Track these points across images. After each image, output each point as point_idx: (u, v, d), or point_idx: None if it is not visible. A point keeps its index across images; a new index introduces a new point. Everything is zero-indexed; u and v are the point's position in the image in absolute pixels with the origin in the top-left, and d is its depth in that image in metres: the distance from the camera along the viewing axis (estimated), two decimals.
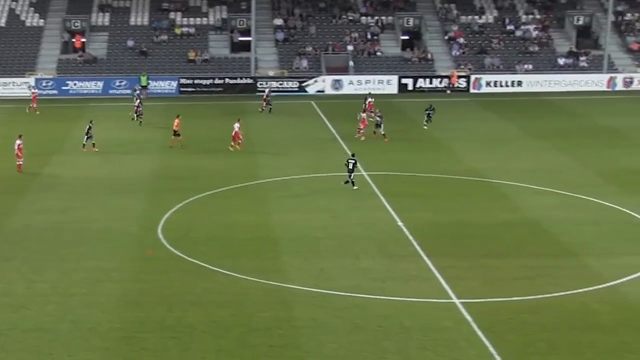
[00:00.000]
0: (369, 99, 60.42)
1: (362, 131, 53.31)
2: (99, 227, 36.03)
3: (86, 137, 49.91)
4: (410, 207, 38.66)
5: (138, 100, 60.20)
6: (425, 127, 56.70)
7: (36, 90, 66.18)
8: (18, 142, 45.11)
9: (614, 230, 35.64)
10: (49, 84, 70.71)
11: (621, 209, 38.43)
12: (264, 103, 63.73)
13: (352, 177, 41.54)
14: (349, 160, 41.96)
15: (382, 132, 52.74)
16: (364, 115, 54.58)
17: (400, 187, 42.28)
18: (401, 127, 56.94)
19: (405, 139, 53.40)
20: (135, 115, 58.71)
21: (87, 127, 50.12)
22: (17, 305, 27.62)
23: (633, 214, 37.67)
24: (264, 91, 66.60)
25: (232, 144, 50.05)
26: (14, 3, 79.01)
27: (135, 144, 52.39)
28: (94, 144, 49.93)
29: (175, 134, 51.18)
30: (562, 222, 36.53)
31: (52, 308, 27.38)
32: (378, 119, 53.89)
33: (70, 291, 28.86)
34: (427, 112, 57.21)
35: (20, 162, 44.97)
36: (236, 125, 50.32)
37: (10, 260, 31.83)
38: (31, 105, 63.33)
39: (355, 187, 41.34)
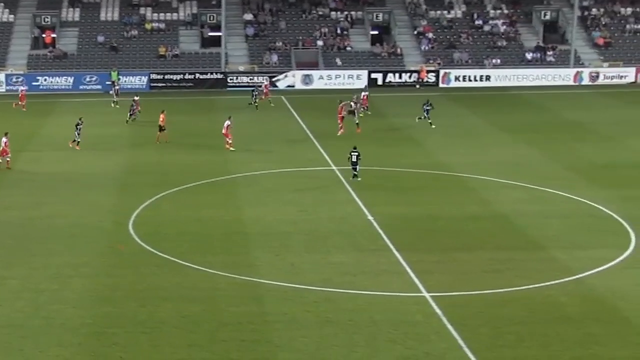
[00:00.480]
0: (364, 93, 60.42)
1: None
2: (69, 223, 35.75)
3: (77, 133, 49.12)
4: (380, 201, 38.71)
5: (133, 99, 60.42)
6: (417, 121, 56.77)
7: (25, 87, 64.74)
8: (4, 139, 44.67)
9: (581, 224, 35.88)
10: (19, 79, 70.00)
11: (588, 202, 38.68)
12: (263, 97, 63.75)
13: (357, 170, 41.88)
14: (352, 153, 41.79)
15: (357, 122, 52.76)
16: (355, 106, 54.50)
17: (370, 181, 42.28)
18: (370, 121, 56.96)
19: (375, 133, 53.40)
20: (129, 115, 58.09)
21: (77, 123, 49.26)
22: None
23: (600, 207, 37.92)
24: (260, 86, 65.92)
25: (229, 141, 49.33)
26: None
27: (106, 140, 52.06)
28: (78, 142, 49.15)
29: (161, 129, 50.74)
30: (530, 215, 36.72)
31: (23, 304, 27.12)
32: (352, 104, 54.15)
33: (41, 287, 28.60)
34: (425, 107, 56.80)
35: (8, 159, 44.61)
36: (226, 123, 49.41)
37: None
38: (18, 102, 61.93)
39: (358, 179, 41.75)
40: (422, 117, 56.40)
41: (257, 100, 62.49)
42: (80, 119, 49.75)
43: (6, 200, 39.19)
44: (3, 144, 44.65)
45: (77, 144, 49.15)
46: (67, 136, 50.02)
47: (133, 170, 44.64)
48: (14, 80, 69.11)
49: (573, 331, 25.09)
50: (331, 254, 31.81)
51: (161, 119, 50.94)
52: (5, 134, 45.10)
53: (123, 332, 25.02)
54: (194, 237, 33.93)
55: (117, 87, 64.36)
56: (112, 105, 62.81)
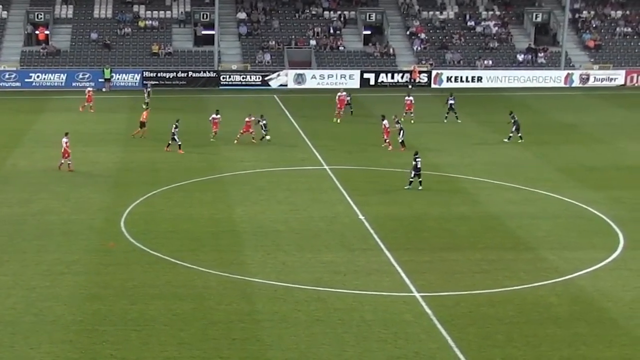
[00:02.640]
0: (407, 98, 58.24)
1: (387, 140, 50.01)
2: (61, 220, 35.69)
3: (172, 136, 47.49)
4: (371, 201, 38.74)
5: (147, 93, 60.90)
6: (445, 121, 57.28)
7: (91, 89, 62.42)
8: (64, 140, 43.34)
9: (571, 225, 35.98)
10: (12, 76, 69.84)
11: (578, 203, 38.79)
12: (341, 110, 58.38)
13: (419, 178, 40.20)
14: (416, 159, 40.05)
15: (400, 139, 49.04)
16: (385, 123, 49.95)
17: (361, 181, 42.31)
18: (362, 121, 56.97)
19: (366, 133, 53.42)
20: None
21: (174, 126, 47.67)
22: None
23: (589, 208, 38.04)
24: (343, 95, 59.29)
25: (252, 136, 49.86)
26: None
27: (98, 137, 51.96)
28: (180, 145, 47.50)
29: (142, 125, 50.81)
30: (519, 216, 36.82)
31: (14, 301, 27.08)
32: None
33: (32, 284, 28.55)
34: (449, 101, 57.12)
35: (70, 162, 43.20)
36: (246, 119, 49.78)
37: None
38: (85, 103, 60.25)
39: (420, 188, 40.21)
40: (448, 113, 57.20)
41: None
42: (177, 121, 48.20)
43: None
44: (64, 144, 43.21)
45: (180, 147, 47.34)
46: (61, 133, 49.63)
47: (125, 168, 44.57)
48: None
49: (561, 332, 25.17)
50: (322, 253, 31.83)
51: (144, 116, 51.12)
52: (66, 134, 43.83)
53: (114, 329, 25.02)
54: (185, 235, 33.90)
55: (149, 90, 62.79)
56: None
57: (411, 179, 40.32)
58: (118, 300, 27.22)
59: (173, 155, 46.98)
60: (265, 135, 50.03)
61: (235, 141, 49.52)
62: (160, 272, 29.70)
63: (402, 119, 52.62)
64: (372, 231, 34.42)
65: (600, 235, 34.49)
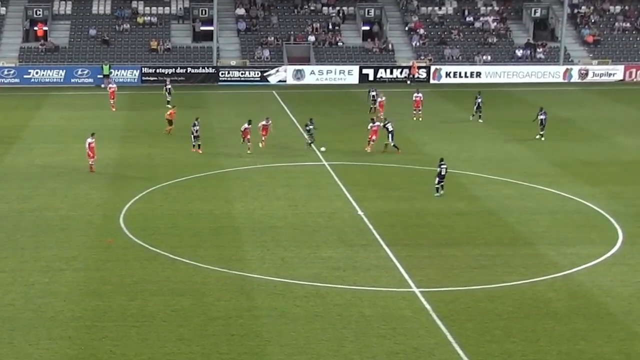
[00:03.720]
0: (416, 95, 58.02)
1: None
2: (60, 216, 35.69)
3: (193, 137, 46.97)
4: (370, 196, 38.74)
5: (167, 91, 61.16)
6: (472, 118, 56.86)
7: (113, 85, 61.21)
8: (89, 140, 42.38)
9: (569, 220, 35.99)
10: (11, 72, 69.84)
11: (576, 198, 38.81)
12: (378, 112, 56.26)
13: (442, 183, 38.91)
14: (441, 166, 38.79)
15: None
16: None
17: (360, 176, 42.32)
18: (360, 116, 56.96)
19: (365, 129, 53.38)
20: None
21: (193, 124, 47.12)
22: None
23: (587, 203, 38.06)
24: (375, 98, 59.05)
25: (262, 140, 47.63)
26: None
27: (97, 133, 51.88)
28: (199, 145, 47.13)
29: (170, 123, 50.48)
30: (518, 211, 36.82)
31: (12, 297, 27.07)
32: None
33: (31, 280, 28.55)
34: (477, 100, 56.68)
35: (92, 162, 42.42)
36: (261, 123, 47.74)
37: None
38: (111, 100, 59.78)
39: (442, 192, 38.93)
40: (475, 112, 56.70)
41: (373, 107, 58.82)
42: (196, 119, 47.50)
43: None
44: (87, 145, 42.25)
45: (198, 147, 46.96)
46: (59, 129, 49.84)
47: (124, 164, 44.56)
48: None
49: (560, 327, 25.17)
50: (321, 249, 31.83)
51: (170, 114, 51.01)
52: (92, 135, 42.93)
53: (113, 325, 25.00)
54: (184, 231, 33.90)
55: (168, 87, 62.29)
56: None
57: (437, 186, 38.82)
58: (117, 296, 27.22)
59: (171, 151, 46.97)
60: (310, 142, 47.89)
61: (261, 145, 47.47)
62: (159, 268, 29.70)
63: (414, 118, 52.77)
64: (371, 227, 34.42)
65: (599, 231, 34.50)
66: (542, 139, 50.80)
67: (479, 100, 56.66)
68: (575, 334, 24.72)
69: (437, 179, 38.83)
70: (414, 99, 57.53)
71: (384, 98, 57.23)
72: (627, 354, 23.61)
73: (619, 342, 24.25)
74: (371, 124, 47.73)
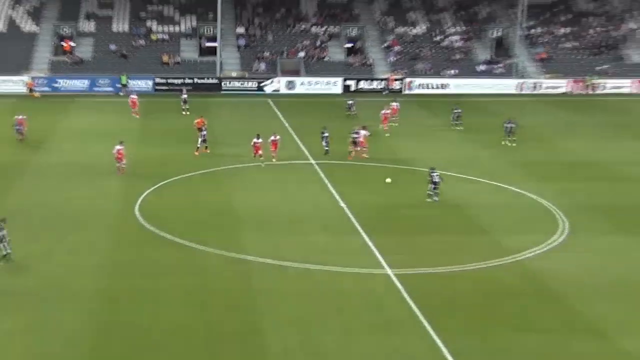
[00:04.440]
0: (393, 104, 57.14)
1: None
2: (84, 205, 35.71)
3: (201, 140, 46.09)
4: (351, 191, 38.82)
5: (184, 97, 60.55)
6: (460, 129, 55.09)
7: (135, 96, 59.12)
8: (118, 147, 41.23)
9: (521, 212, 36.21)
10: (43, 81, 69.67)
11: (527, 194, 39.04)
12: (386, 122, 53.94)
13: (435, 190, 36.89)
14: (432, 174, 36.97)
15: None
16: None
17: (342, 174, 42.39)
18: (343, 122, 57.03)
19: (347, 133, 53.46)
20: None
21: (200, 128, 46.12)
22: (12, 270, 27.35)
23: (536, 198, 38.30)
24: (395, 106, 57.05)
25: (273, 156, 44.46)
26: (13, 12, 77.68)
27: (116, 134, 51.70)
28: (206, 147, 46.29)
29: (200, 130, 47.70)
30: (478, 205, 37.00)
31: (43, 274, 27.19)
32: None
33: (59, 260, 28.67)
34: (456, 112, 55.39)
35: (120, 165, 41.25)
36: (271, 138, 44.72)
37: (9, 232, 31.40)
38: (132, 109, 57.96)
39: (437, 199, 36.86)
40: (454, 123, 55.42)
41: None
42: (200, 123, 46.56)
43: (31, 186, 39.09)
44: (116, 151, 41.11)
45: (205, 148, 45.65)
46: (83, 130, 49.65)
47: (139, 161, 44.47)
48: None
49: (512, 304, 25.40)
50: (309, 235, 31.96)
51: (199, 123, 48.44)
52: (120, 142, 41.71)
53: (129, 300, 25.13)
54: (190, 219, 33.97)
55: (184, 96, 61.31)
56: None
57: (430, 192, 37.08)
58: (132, 274, 27.34)
59: (180, 151, 46.91)
60: (327, 149, 45.71)
61: (274, 160, 44.38)
62: (168, 251, 29.81)
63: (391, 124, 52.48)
64: (351, 217, 34.55)
65: (546, 221, 34.70)
66: (514, 144, 50.59)
67: (457, 111, 56.36)
68: (524, 310, 24.96)
69: (431, 186, 37.02)
70: (391, 106, 57.60)
71: (388, 110, 55.42)
72: (569, 327, 23.89)
73: (562, 317, 24.52)
74: (356, 135, 45.83)
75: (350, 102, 59.98)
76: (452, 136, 53.67)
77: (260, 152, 43.62)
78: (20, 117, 48.92)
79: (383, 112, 54.71)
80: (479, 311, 24.76)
